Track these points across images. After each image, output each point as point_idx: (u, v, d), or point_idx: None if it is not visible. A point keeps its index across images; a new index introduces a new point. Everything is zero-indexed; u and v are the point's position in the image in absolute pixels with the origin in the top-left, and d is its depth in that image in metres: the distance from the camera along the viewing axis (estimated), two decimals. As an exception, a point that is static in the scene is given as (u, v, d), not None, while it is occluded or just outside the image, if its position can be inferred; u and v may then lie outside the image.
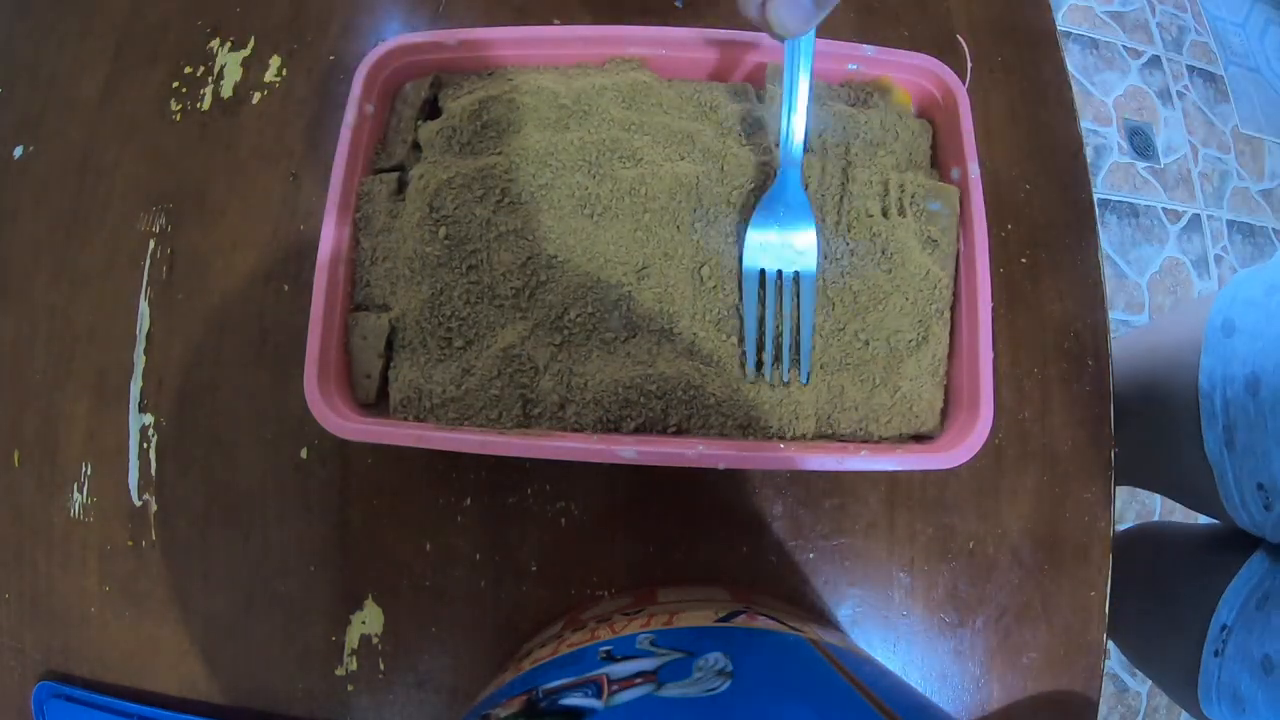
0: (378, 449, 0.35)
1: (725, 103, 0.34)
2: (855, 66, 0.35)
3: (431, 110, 0.35)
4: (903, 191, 0.33)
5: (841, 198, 0.33)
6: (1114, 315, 1.05)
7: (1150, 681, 1.10)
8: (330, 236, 0.31)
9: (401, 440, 0.29)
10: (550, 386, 0.31)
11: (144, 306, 0.37)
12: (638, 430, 0.31)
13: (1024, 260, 0.38)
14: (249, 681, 0.35)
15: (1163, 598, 0.49)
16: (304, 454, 0.35)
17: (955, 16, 0.41)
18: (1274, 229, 1.37)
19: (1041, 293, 0.38)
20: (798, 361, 0.31)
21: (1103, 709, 0.46)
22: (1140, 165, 1.35)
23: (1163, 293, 1.29)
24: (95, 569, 0.36)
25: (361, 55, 0.33)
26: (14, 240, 0.39)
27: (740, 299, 0.32)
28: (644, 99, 0.34)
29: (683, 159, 0.33)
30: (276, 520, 0.35)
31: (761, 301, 0.31)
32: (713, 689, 0.18)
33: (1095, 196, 0.39)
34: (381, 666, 0.34)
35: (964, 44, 0.40)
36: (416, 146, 0.34)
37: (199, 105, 0.39)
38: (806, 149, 0.33)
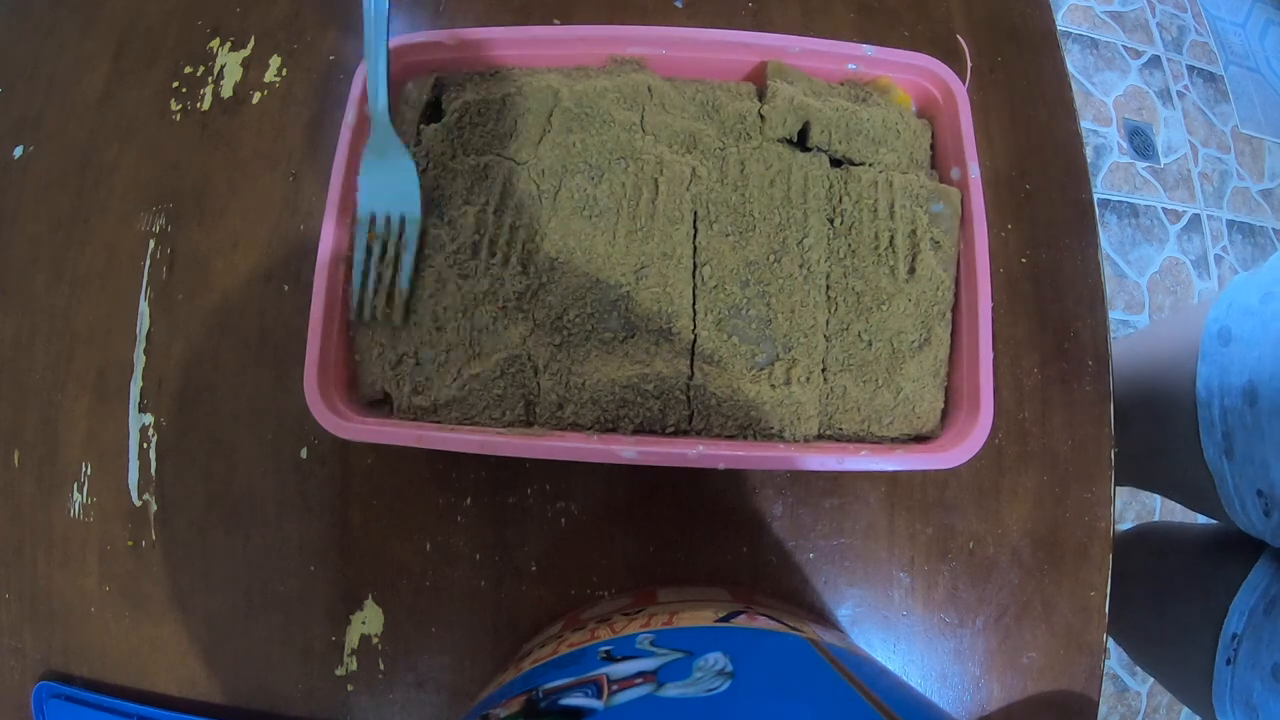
0: (378, 449, 0.35)
1: (726, 102, 0.34)
2: (855, 66, 0.35)
3: (433, 110, 0.35)
4: (906, 193, 0.33)
5: (843, 197, 0.33)
6: (1114, 315, 1.05)
7: (1151, 681, 1.10)
8: (330, 236, 0.31)
9: (401, 440, 0.29)
10: (550, 386, 0.31)
11: (144, 306, 0.37)
12: (637, 430, 0.31)
13: (1024, 260, 0.38)
14: (249, 681, 0.35)
15: (1168, 601, 0.49)
16: (304, 454, 0.35)
17: (955, 16, 0.41)
18: (1274, 229, 1.37)
19: (1041, 293, 0.38)
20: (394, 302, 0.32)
21: (1103, 709, 0.46)
22: (1140, 165, 1.35)
23: (1163, 293, 1.29)
24: (95, 569, 0.36)
25: (361, 55, 0.33)
26: (14, 240, 0.39)
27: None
28: (644, 99, 0.34)
29: (683, 159, 0.33)
30: (276, 520, 0.35)
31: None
32: (713, 689, 0.18)
33: (1095, 196, 0.39)
34: (381, 666, 0.34)
35: (964, 44, 0.40)
36: (418, 145, 0.34)
37: (199, 105, 0.39)
38: (795, 142, 0.33)
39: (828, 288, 0.32)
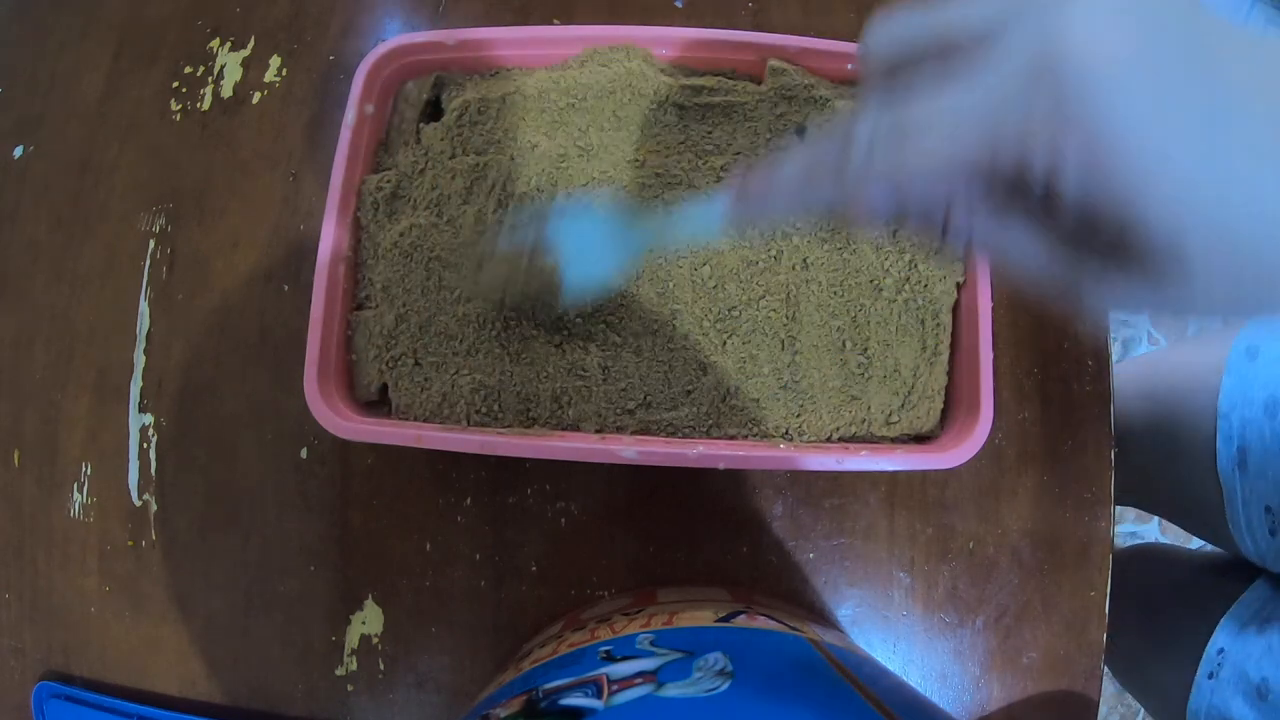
0: (378, 449, 0.35)
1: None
2: (854, 66, 0.35)
3: (433, 110, 0.35)
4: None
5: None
6: (1114, 315, 1.05)
7: (1150, 681, 1.10)
8: (330, 236, 0.31)
9: (401, 440, 0.29)
10: (550, 386, 0.31)
11: (144, 306, 0.37)
12: (637, 430, 0.31)
13: (1024, 260, 0.38)
14: (249, 681, 0.35)
15: (1155, 620, 0.49)
16: (304, 454, 0.35)
17: (955, 16, 0.41)
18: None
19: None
20: None
21: (1103, 709, 0.46)
22: (1140, 165, 1.35)
23: (1163, 293, 1.29)
24: (95, 569, 0.36)
25: (361, 55, 0.33)
26: (14, 240, 0.39)
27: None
28: (645, 99, 0.34)
29: (682, 158, 0.33)
30: (276, 520, 0.35)
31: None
32: (713, 689, 0.18)
33: (1095, 196, 0.39)
34: (381, 666, 0.34)
35: (964, 44, 0.40)
36: (418, 144, 0.34)
37: (199, 105, 0.39)
38: (799, 135, 0.33)
39: (828, 287, 0.32)
